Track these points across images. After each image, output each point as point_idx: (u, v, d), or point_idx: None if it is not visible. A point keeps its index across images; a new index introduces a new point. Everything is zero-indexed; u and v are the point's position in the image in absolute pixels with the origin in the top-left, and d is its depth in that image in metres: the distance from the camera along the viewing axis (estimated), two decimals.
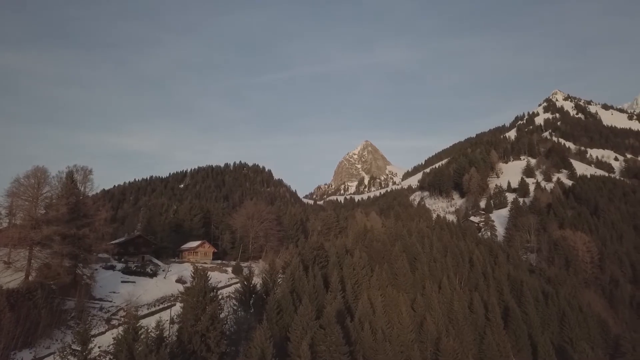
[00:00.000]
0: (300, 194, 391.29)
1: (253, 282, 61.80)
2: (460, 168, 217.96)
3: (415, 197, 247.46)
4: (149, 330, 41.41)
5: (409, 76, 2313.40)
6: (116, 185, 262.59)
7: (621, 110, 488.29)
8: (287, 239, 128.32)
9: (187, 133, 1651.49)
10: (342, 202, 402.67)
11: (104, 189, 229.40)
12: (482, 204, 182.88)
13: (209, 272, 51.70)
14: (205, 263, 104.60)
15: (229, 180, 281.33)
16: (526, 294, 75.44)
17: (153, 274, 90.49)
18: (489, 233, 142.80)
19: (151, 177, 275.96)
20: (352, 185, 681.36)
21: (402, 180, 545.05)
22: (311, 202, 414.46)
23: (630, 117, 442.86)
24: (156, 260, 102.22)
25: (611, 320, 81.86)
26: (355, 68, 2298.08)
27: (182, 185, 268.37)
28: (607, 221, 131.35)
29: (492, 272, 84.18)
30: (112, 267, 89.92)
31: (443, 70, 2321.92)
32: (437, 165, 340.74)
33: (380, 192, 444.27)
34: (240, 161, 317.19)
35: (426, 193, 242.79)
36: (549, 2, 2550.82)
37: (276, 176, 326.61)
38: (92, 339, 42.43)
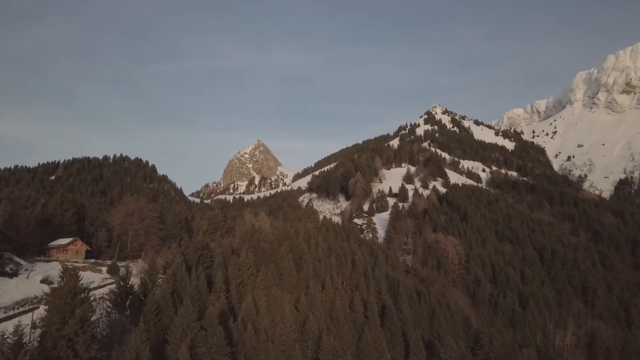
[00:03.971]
0: (187, 192, 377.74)
1: (130, 282, 58.32)
2: (347, 172, 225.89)
3: (304, 199, 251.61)
4: (5, 336, 37.30)
5: (304, 80, 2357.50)
6: None
7: (489, 127, 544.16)
8: (170, 238, 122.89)
9: (63, 121, 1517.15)
10: (231, 201, 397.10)
11: None
12: (366, 207, 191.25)
13: (80, 272, 47.99)
14: (76, 262, 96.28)
15: (108, 174, 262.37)
16: (402, 293, 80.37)
17: (13, 274, 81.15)
18: (370, 235, 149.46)
19: (16, 166, 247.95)
20: (242, 185, 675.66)
21: (293, 181, 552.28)
22: (198, 200, 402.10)
23: (496, 134, 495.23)
24: (17, 259, 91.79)
25: (473, 317, 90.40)
26: (251, 67, 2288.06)
27: (53, 177, 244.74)
28: (473, 226, 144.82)
29: (372, 273, 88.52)
30: None
31: (336, 77, 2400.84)
32: (326, 168, 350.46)
33: (270, 193, 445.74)
34: (121, 154, 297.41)
35: (315, 195, 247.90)
36: (431, 23, 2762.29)
37: (161, 172, 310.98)
38: None
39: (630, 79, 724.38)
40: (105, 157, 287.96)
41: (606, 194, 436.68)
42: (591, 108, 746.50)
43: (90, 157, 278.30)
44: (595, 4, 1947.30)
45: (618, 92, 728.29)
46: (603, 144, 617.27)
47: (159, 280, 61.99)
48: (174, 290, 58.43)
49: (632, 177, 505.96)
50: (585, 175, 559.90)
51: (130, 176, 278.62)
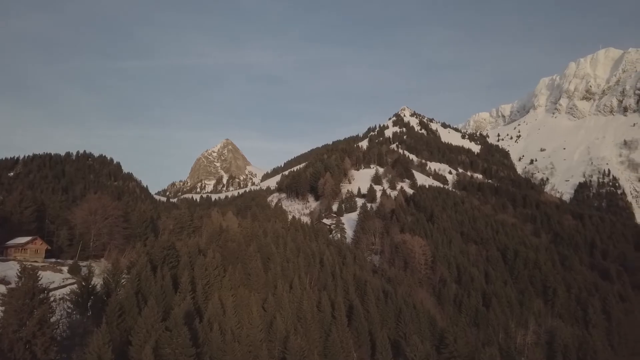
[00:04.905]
0: (153, 190, 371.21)
1: (92, 282, 56.74)
2: (317, 172, 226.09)
3: (273, 199, 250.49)
4: None
5: (275, 79, 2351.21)
6: None
7: (456, 130, 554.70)
8: (135, 237, 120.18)
9: (24, 115, 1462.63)
10: (198, 200, 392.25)
11: None
12: (335, 207, 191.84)
13: (39, 272, 46.48)
14: (36, 261, 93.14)
15: (70, 171, 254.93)
16: (369, 293, 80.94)
17: None
18: (339, 235, 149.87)
19: None
20: (210, 184, 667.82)
21: (262, 181, 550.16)
22: (164, 199, 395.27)
23: (463, 136, 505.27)
24: None
25: (438, 316, 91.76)
26: (221, 65, 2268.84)
27: (12, 174, 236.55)
28: (440, 227, 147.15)
29: (340, 273, 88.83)
30: None
31: (306, 77, 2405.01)
32: (295, 168, 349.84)
33: (238, 192, 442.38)
34: (84, 151, 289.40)
35: (284, 195, 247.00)
36: (401, 26, 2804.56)
37: (126, 169, 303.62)
38: None
39: (590, 86, 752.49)
40: (68, 154, 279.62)
41: (566, 197, 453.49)
42: (553, 113, 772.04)
43: (52, 154, 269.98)
44: (559, 12, 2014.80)
45: (579, 98, 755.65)
46: (564, 149, 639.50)
47: (123, 281, 60.60)
48: (138, 291, 57.24)
49: (590, 181, 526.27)
50: (547, 179, 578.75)
51: (94, 173, 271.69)
